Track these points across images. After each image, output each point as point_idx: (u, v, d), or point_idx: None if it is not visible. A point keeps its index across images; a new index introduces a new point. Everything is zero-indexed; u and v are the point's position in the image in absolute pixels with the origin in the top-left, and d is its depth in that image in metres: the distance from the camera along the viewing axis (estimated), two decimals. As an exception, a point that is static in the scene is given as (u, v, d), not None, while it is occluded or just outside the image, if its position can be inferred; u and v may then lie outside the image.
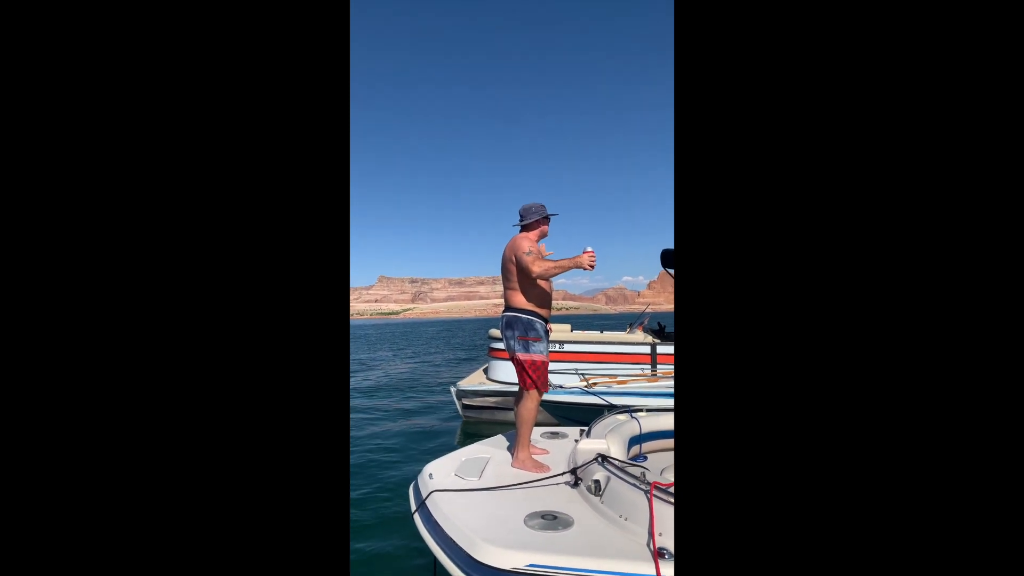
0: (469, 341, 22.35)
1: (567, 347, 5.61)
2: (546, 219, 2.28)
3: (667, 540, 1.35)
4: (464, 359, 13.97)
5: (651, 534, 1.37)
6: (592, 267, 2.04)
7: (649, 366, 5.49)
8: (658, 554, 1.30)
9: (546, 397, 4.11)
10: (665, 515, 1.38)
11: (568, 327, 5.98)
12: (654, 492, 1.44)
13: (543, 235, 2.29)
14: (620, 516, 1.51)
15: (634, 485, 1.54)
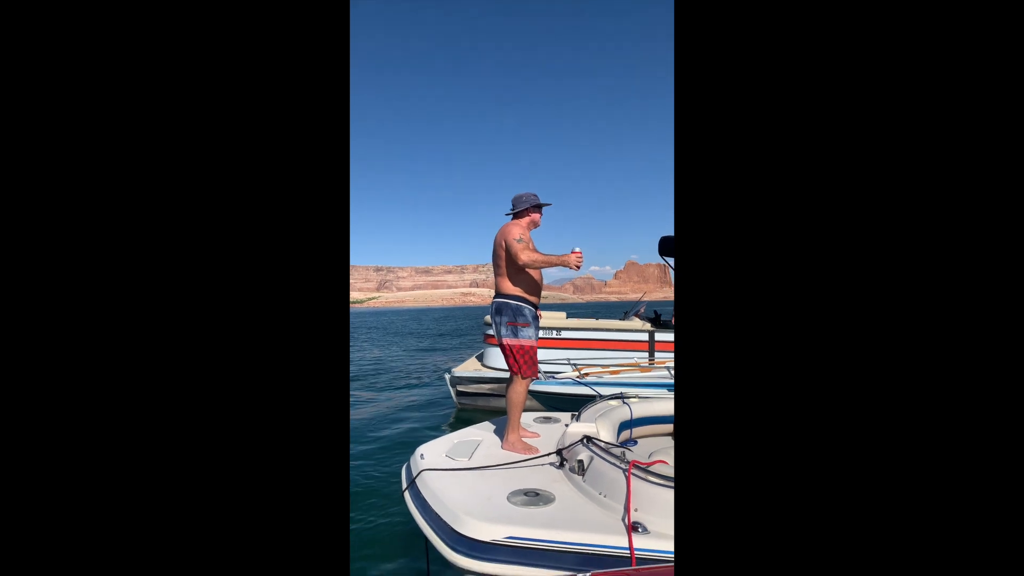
0: (438, 329, 22.23)
1: (564, 334, 5.65)
2: (538, 208, 2.29)
3: (642, 515, 1.42)
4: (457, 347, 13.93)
5: (627, 509, 1.43)
6: (579, 267, 2.12)
7: (647, 353, 5.59)
8: (632, 528, 1.37)
9: (538, 387, 4.14)
10: (642, 492, 1.45)
11: (563, 315, 6.02)
12: (632, 470, 1.51)
13: (534, 224, 2.29)
14: (600, 493, 1.58)
15: (614, 464, 1.61)
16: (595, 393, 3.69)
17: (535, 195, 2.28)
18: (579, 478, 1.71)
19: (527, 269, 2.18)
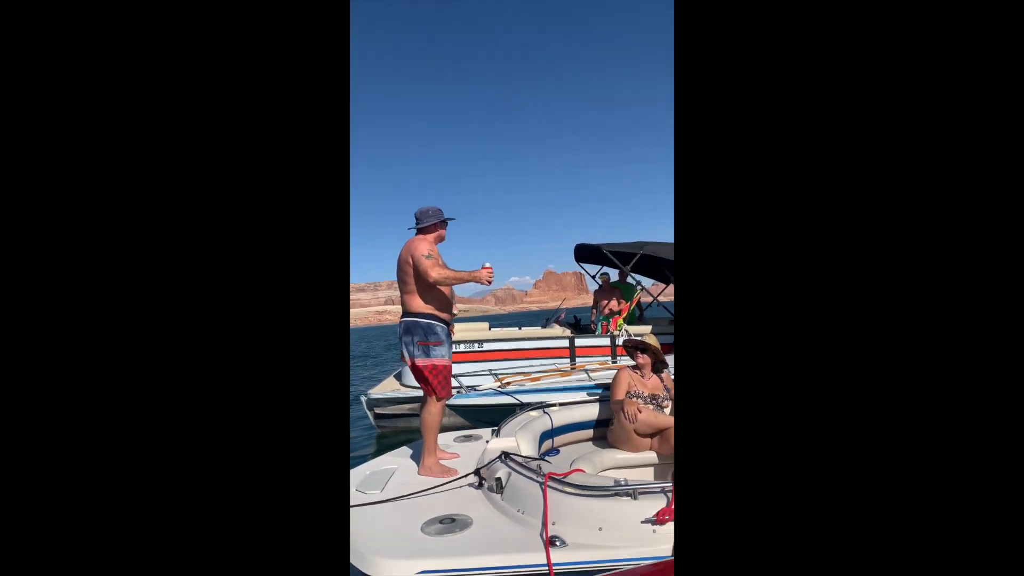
0: (351, 350, 21.15)
1: (486, 346, 5.60)
2: (443, 223, 2.22)
3: (560, 528, 1.40)
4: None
5: (544, 524, 1.41)
6: (490, 283, 2.09)
7: (568, 359, 5.71)
8: (549, 542, 1.35)
9: (459, 401, 4.03)
10: (559, 504, 1.44)
11: (486, 325, 5.96)
12: (548, 483, 1.49)
13: (440, 239, 2.22)
14: (518, 510, 1.54)
15: (531, 478, 1.58)
16: (516, 402, 3.67)
17: (440, 209, 2.22)
18: (498, 497, 1.66)
19: (438, 286, 2.11)
